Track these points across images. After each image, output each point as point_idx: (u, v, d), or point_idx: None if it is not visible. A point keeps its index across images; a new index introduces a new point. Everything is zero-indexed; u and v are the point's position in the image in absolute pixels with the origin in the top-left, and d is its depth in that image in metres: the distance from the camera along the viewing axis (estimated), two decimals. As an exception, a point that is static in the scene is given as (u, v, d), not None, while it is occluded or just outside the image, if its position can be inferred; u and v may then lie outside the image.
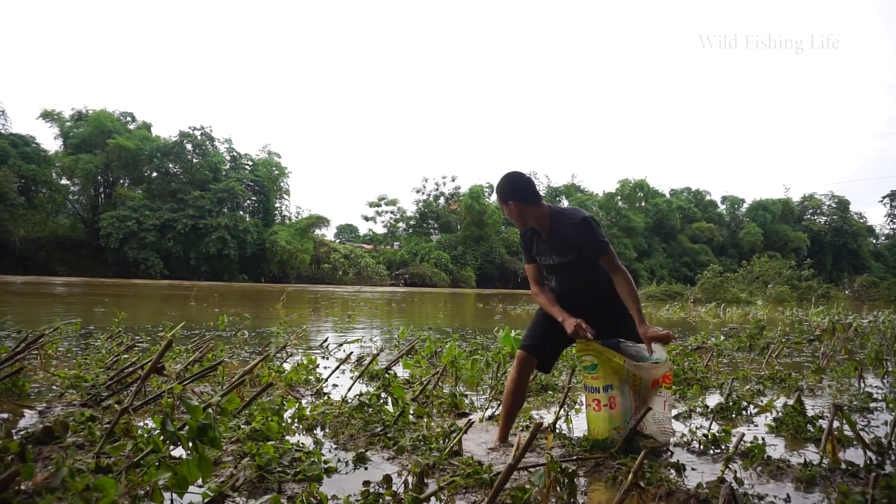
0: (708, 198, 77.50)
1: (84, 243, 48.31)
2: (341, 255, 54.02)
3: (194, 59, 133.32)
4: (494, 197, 3.26)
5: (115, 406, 3.19)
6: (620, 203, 69.19)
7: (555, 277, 3.35)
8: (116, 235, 45.58)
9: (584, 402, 3.28)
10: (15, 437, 2.69)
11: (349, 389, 3.95)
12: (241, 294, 25.79)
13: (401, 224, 64.67)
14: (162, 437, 2.08)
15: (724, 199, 77.99)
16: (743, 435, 2.63)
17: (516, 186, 3.06)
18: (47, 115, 50.49)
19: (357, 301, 23.06)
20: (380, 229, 65.63)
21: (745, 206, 76.86)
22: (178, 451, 2.56)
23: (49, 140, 66.38)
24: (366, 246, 63.10)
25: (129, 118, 54.01)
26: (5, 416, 3.32)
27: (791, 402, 3.84)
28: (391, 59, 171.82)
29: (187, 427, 2.09)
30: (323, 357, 6.32)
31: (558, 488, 2.37)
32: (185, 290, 25.95)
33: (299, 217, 56.31)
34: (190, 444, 2.04)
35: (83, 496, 1.59)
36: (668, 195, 73.38)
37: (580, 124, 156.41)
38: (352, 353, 5.62)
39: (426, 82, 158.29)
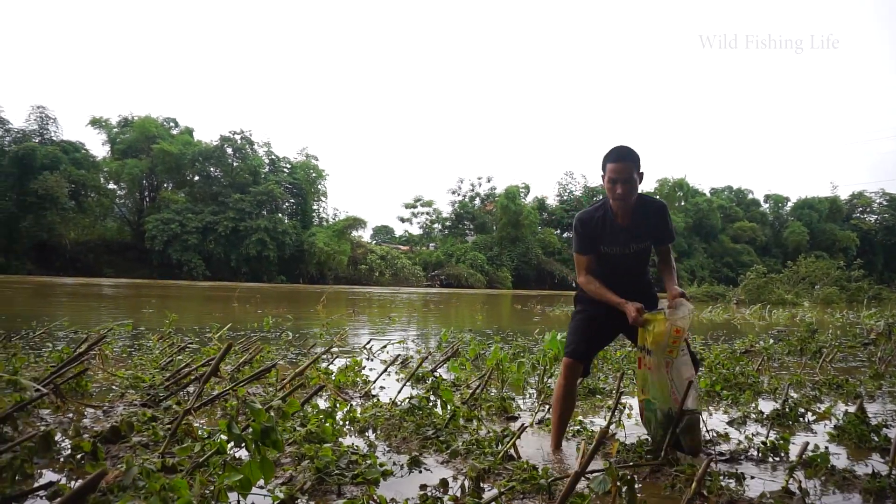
0: (750, 196, 75.53)
1: (130, 246, 49.87)
2: (378, 256, 54.47)
3: (234, 64, 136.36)
4: (598, 171, 3.12)
5: (175, 407, 3.28)
6: (659, 202, 67.99)
7: (605, 271, 3.21)
8: (160, 238, 46.87)
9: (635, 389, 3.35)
10: (84, 436, 2.80)
11: (398, 392, 3.98)
12: (281, 295, 26.24)
13: (436, 225, 64.85)
14: (226, 439, 2.13)
15: (767, 197, 75.87)
16: (807, 444, 2.55)
17: None
18: (95, 122, 52.35)
19: (395, 302, 23.22)
20: (416, 230, 65.95)
21: (790, 204, 74.63)
22: (239, 452, 2.63)
23: (97, 146, 68.94)
24: (402, 247, 63.46)
25: (172, 123, 55.53)
26: (71, 415, 3.44)
27: (852, 409, 3.72)
28: (427, 61, 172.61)
29: (251, 429, 2.15)
30: (367, 359, 6.38)
31: (618, 496, 2.35)
32: (227, 290, 26.56)
33: (336, 219, 57.00)
34: (253, 447, 2.09)
35: (161, 496, 1.64)
36: (708, 194, 71.78)
37: (617, 124, 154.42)
38: (398, 355, 5.66)
39: (462, 83, 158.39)
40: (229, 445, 2.21)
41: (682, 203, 68.16)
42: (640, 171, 3.02)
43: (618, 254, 3.13)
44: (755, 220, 71.10)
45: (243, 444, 2.19)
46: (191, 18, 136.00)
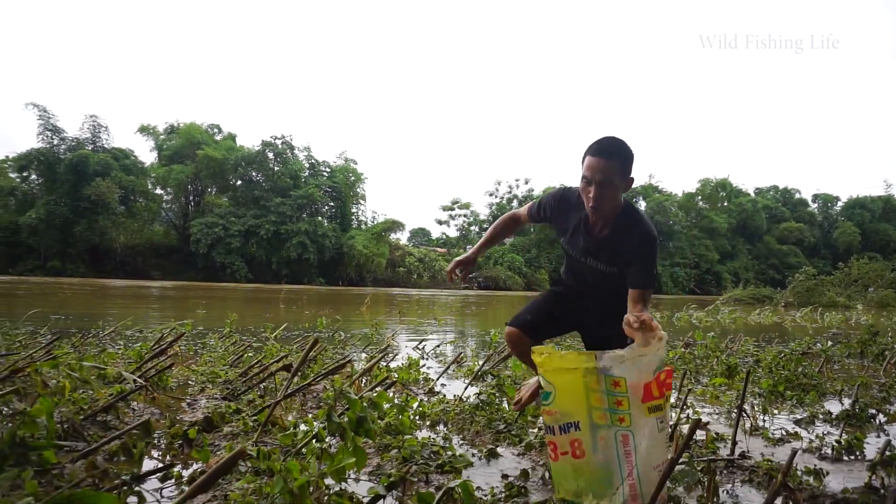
0: (797, 196, 73.52)
1: (176, 249, 51.46)
2: (416, 258, 54.87)
3: (275, 71, 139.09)
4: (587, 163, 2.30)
5: (258, 400, 3.45)
6: (701, 203, 66.73)
7: (571, 271, 2.74)
8: (205, 241, 48.21)
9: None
10: (178, 426, 2.97)
11: (464, 389, 4.08)
12: (323, 297, 26.69)
13: (474, 227, 64.97)
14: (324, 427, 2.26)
15: (815, 197, 73.71)
16: (889, 441, 2.54)
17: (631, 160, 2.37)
18: (144, 130, 54.27)
19: (436, 304, 23.38)
20: (453, 233, 66.23)
21: (840, 204, 72.34)
22: (324, 440, 2.76)
23: (145, 152, 71.32)
24: (438, 249, 63.76)
25: (215, 130, 57.09)
26: (156, 408, 3.64)
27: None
28: (465, 64, 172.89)
29: (346, 418, 2.27)
30: (422, 358, 6.51)
31: (700, 488, 2.40)
32: (270, 292, 27.15)
33: (375, 222, 57.69)
34: (351, 435, 2.21)
35: (282, 475, 1.76)
36: (752, 194, 70.11)
37: (658, 123, 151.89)
38: (461, 354, 5.76)
39: (499, 85, 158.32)
40: (325, 434, 2.34)
41: (726, 203, 66.74)
42: (628, 174, 2.34)
43: (574, 257, 2.61)
44: (803, 220, 69.14)
45: (336, 434, 2.34)
46: (233, 28, 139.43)
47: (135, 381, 3.09)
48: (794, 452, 2.19)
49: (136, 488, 2.21)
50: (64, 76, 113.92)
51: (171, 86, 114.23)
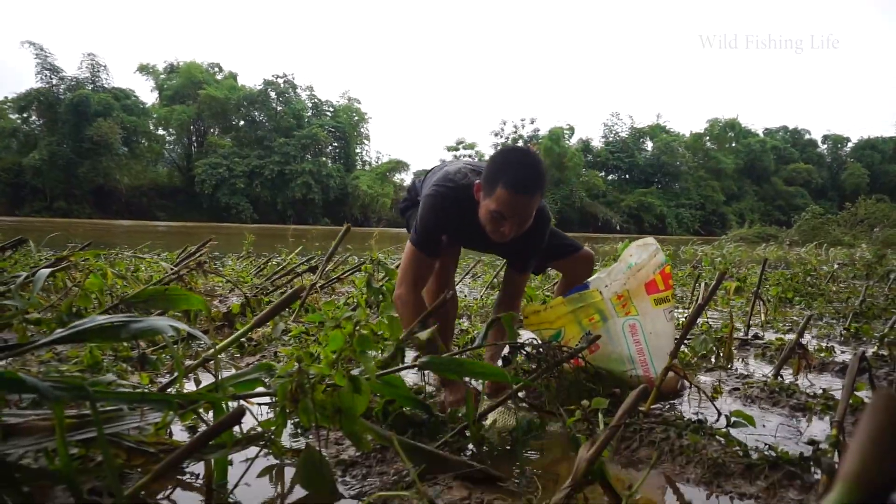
0: (807, 137, 72.41)
1: (180, 190, 51.39)
2: (420, 199, 54.83)
3: (275, 7, 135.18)
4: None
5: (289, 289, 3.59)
6: (709, 144, 65.88)
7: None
8: (209, 182, 48.09)
9: None
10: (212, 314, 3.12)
11: (483, 291, 4.22)
12: (330, 235, 26.85)
13: (478, 168, 64.55)
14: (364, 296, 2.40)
15: (825, 138, 72.64)
16: (897, 317, 2.68)
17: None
18: (143, 69, 53.28)
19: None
20: (457, 174, 65.83)
21: (850, 145, 71.31)
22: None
23: (146, 93, 70.22)
24: (443, 191, 63.54)
25: (216, 69, 56.01)
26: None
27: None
28: (470, 1, 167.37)
29: (384, 287, 2.40)
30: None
31: (713, 358, 2.55)
32: (278, 231, 27.30)
33: (379, 162, 57.35)
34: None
35: (335, 319, 1.89)
36: (761, 134, 69.08)
37: (666, 62, 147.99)
38: (475, 265, 5.92)
39: (505, 24, 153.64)
40: (365, 303, 2.48)
41: (734, 144, 65.92)
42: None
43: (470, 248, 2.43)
44: (811, 161, 68.42)
45: (374, 306, 2.47)
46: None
47: (172, 269, 3.22)
48: (809, 317, 2.31)
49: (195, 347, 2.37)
50: (57, 14, 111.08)
51: (169, 23, 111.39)
